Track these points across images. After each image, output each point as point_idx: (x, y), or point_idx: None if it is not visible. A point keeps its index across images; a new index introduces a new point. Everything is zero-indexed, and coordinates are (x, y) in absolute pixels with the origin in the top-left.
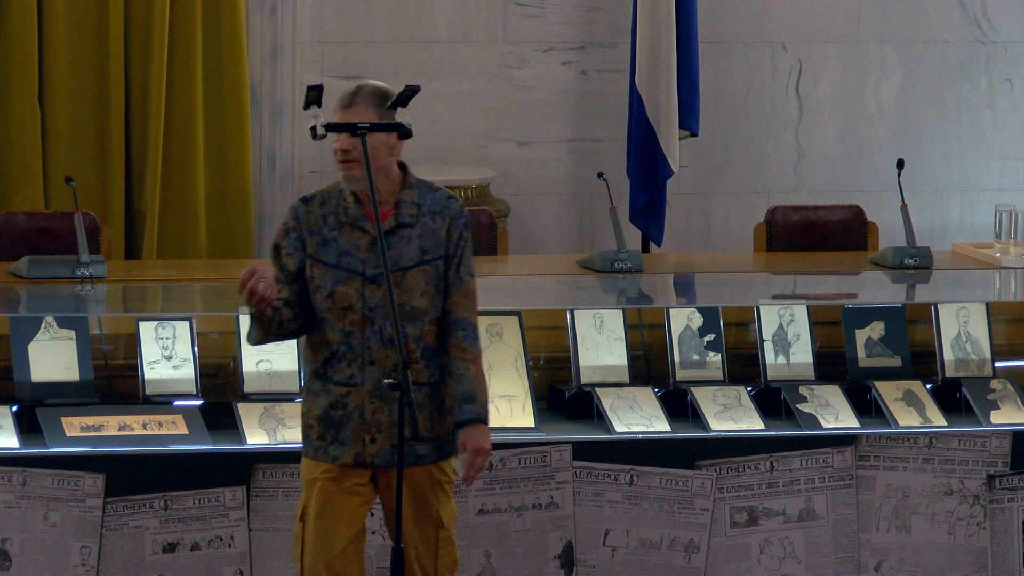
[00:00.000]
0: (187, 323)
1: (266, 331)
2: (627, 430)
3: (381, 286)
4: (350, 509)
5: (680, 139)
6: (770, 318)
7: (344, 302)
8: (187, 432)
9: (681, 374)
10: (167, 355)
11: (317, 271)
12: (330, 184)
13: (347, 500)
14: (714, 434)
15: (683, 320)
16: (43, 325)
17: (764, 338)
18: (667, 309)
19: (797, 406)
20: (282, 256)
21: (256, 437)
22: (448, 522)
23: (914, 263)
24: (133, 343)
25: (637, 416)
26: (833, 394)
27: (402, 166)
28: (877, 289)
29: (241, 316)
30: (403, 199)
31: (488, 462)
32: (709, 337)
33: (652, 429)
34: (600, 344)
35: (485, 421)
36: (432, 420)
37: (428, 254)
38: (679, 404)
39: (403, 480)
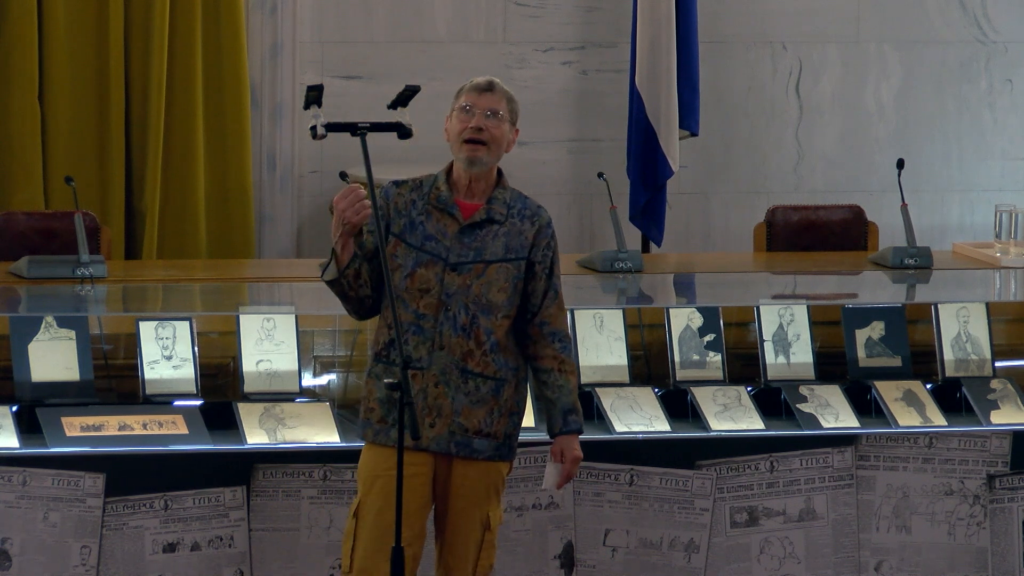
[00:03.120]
0: (187, 323)
1: (341, 271)
2: (627, 430)
3: (462, 274)
4: (411, 511)
5: (680, 139)
6: (770, 318)
7: (423, 284)
8: (187, 432)
9: (681, 374)
10: (167, 355)
11: (400, 250)
12: (423, 175)
13: (407, 499)
14: (714, 434)
15: (683, 320)
16: (43, 325)
17: (764, 338)
18: (667, 309)
19: (797, 406)
20: (363, 233)
21: (256, 437)
22: (495, 525)
23: (914, 263)
24: (133, 343)
25: (637, 416)
26: (833, 394)
27: (498, 171)
28: (877, 289)
29: (241, 316)
30: (496, 196)
31: None
32: (709, 337)
33: (652, 429)
34: (600, 344)
35: (583, 431)
36: (491, 417)
37: (512, 253)
38: (679, 404)
39: (456, 474)
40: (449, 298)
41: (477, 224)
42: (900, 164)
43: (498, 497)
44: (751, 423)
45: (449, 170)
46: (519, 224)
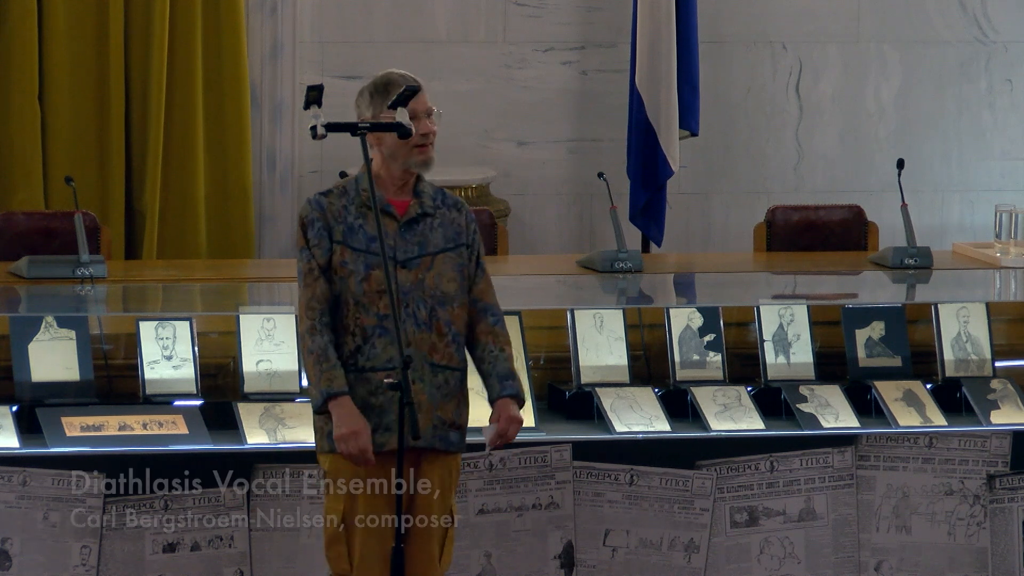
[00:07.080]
0: (187, 323)
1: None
2: (627, 430)
3: (412, 269)
4: (393, 504)
5: (680, 139)
6: (770, 318)
7: (380, 284)
8: (187, 432)
9: (681, 374)
10: (167, 355)
11: (348, 256)
12: (337, 182)
13: (389, 497)
14: (714, 434)
15: (683, 320)
16: (43, 325)
17: (764, 338)
18: (667, 309)
19: (797, 406)
20: (311, 248)
21: (256, 437)
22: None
23: (914, 263)
24: (133, 343)
25: (637, 416)
26: (833, 394)
27: None
28: (877, 289)
29: (241, 316)
30: (422, 190)
31: (488, 462)
32: (709, 337)
33: (652, 429)
34: (600, 344)
35: (523, 399)
36: (459, 408)
37: (452, 242)
38: (679, 404)
39: (434, 467)
40: (406, 295)
41: (414, 219)
42: (900, 164)
43: (455, 489)
44: (751, 423)
45: (367, 172)
46: (449, 214)
